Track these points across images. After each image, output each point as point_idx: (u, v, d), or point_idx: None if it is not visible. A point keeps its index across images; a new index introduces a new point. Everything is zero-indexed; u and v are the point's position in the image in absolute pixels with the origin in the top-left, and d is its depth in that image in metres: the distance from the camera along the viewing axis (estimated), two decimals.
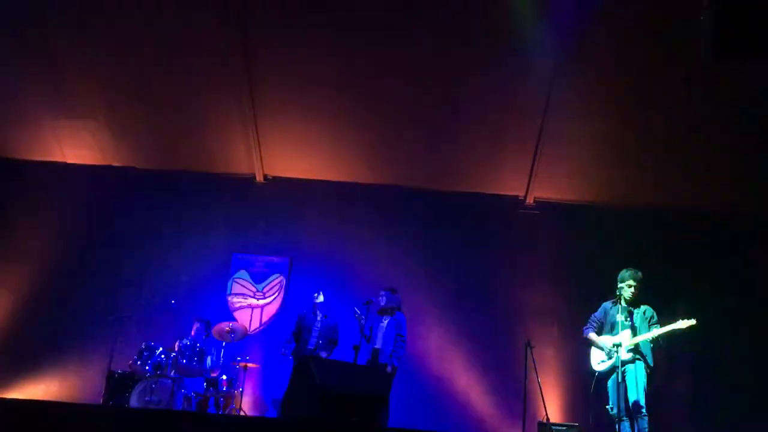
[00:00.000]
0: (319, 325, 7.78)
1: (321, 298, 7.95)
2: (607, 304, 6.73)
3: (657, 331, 6.31)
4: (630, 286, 6.50)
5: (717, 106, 7.82)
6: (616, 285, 6.59)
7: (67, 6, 7.92)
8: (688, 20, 5.46)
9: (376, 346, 7.39)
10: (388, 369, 7.26)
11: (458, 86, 8.23)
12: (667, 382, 7.55)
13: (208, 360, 7.90)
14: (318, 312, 7.88)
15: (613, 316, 6.55)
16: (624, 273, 6.59)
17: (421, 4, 7.70)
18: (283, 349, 7.80)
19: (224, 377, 7.86)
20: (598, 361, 6.58)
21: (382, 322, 7.51)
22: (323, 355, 7.66)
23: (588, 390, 6.65)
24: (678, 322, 6.22)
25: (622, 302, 6.52)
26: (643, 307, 6.54)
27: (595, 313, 6.78)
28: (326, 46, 8.08)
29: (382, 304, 7.56)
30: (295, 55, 8.22)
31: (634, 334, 6.39)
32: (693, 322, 6.18)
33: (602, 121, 8.30)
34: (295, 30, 7.99)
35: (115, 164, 9.46)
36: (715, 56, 4.35)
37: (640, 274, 6.55)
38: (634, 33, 7.50)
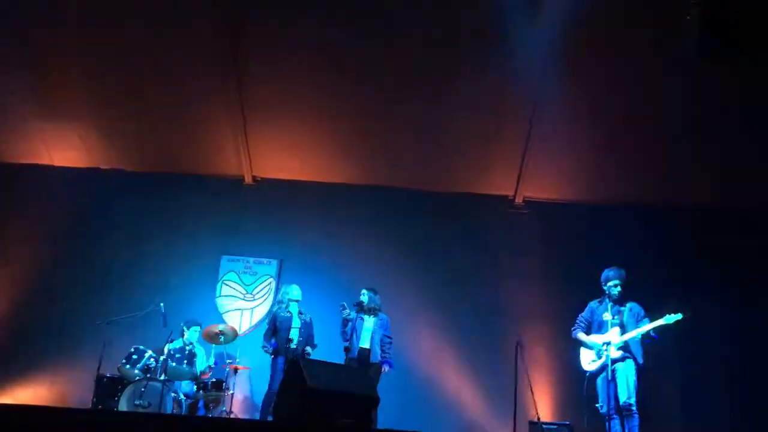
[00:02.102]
0: (299, 323, 7.73)
1: (297, 293, 7.87)
2: (594, 304, 6.79)
3: (645, 326, 6.35)
4: (616, 285, 6.57)
5: (707, 103, 7.87)
6: (602, 285, 6.66)
7: (53, 7, 7.86)
8: (675, 19, 5.49)
9: (365, 346, 7.39)
10: (386, 369, 7.35)
11: (447, 87, 8.23)
12: (657, 379, 7.57)
13: (198, 362, 7.87)
14: (294, 308, 7.80)
15: (600, 315, 6.61)
16: (609, 272, 6.66)
17: (410, 6, 7.70)
18: (265, 345, 7.74)
19: (214, 380, 7.83)
20: (589, 361, 6.62)
21: (367, 322, 7.51)
22: (308, 351, 7.61)
23: (579, 389, 6.68)
24: (665, 317, 6.28)
25: (609, 301, 6.57)
26: (629, 305, 6.60)
27: (582, 314, 6.85)
28: (315, 49, 8.07)
29: (365, 302, 7.55)
30: (284, 57, 8.20)
31: (623, 331, 6.43)
32: (679, 316, 6.24)
33: (591, 120, 8.34)
34: (284, 32, 7.98)
35: (103, 167, 9.40)
36: (703, 55, 4.39)
37: (624, 272, 6.61)
38: (621, 32, 7.52)
